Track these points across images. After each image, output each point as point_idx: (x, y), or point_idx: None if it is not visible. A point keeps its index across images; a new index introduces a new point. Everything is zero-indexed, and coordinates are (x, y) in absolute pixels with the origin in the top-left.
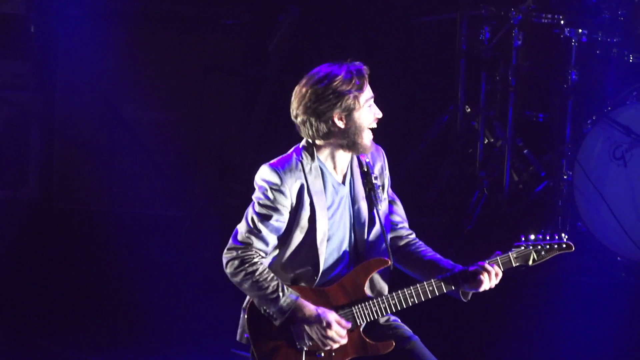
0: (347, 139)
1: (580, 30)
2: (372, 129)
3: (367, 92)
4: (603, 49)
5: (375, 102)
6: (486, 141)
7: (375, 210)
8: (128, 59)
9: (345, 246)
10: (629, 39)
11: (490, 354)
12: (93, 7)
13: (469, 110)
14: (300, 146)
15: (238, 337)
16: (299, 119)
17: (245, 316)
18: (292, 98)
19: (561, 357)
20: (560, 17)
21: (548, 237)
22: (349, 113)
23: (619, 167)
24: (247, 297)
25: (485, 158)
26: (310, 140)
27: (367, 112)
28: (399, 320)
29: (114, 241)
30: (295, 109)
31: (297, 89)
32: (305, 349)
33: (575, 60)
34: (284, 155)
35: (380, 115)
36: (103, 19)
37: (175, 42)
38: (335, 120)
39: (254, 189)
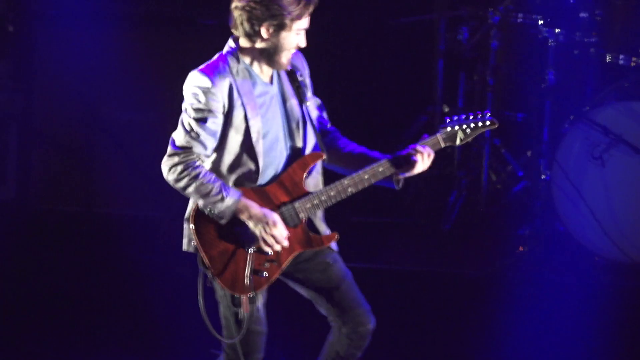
0: (266, 51)
1: (557, 31)
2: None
3: (304, 22)
4: (581, 49)
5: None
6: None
7: (304, 107)
8: (107, 59)
9: (281, 144)
10: (607, 39)
11: (465, 352)
12: (72, 8)
13: (447, 110)
14: (224, 52)
15: (185, 247)
16: (236, 12)
17: (191, 225)
18: None
19: (538, 356)
20: (538, 17)
21: (472, 116)
22: (277, 30)
23: (597, 167)
24: (189, 208)
25: (464, 158)
26: (233, 42)
27: (293, 37)
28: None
29: (92, 242)
30: (237, 1)
31: None
32: (251, 250)
33: (553, 60)
34: (209, 61)
35: (304, 45)
36: (82, 19)
37: (154, 42)
38: (262, 29)
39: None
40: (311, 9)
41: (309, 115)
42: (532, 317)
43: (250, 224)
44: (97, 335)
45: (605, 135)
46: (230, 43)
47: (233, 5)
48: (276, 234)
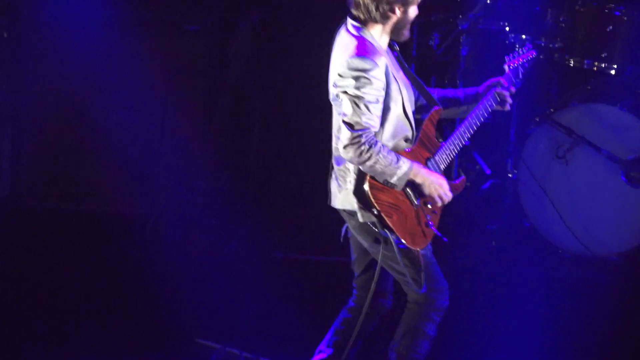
0: (396, 27)
1: (524, 37)
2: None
3: None
4: (546, 54)
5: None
6: None
7: (411, 71)
8: (95, 62)
9: (412, 106)
10: (570, 45)
11: (433, 344)
12: (63, 13)
13: None
14: (358, 34)
15: (361, 219)
16: (362, 0)
17: (369, 192)
18: None
19: (505, 348)
20: (505, 24)
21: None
22: (405, 8)
23: (561, 166)
24: (353, 184)
25: None
26: (354, 22)
27: (415, 10)
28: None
29: (83, 239)
30: None
31: None
32: (418, 206)
33: None
34: (356, 44)
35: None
36: (72, 24)
37: (140, 46)
38: (396, 9)
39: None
40: None
41: (417, 76)
42: (497, 309)
43: (423, 185)
44: (88, 330)
45: (569, 136)
46: (353, 23)
47: None
48: (444, 189)
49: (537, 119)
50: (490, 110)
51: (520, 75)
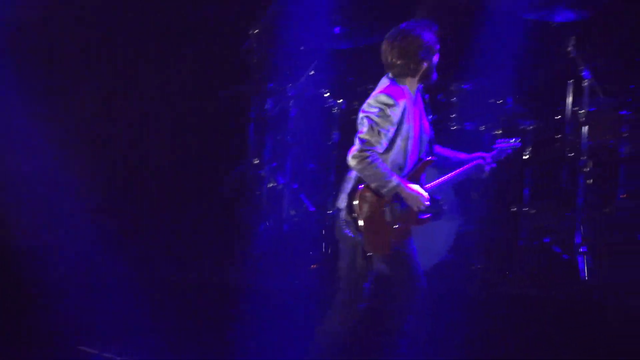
0: (423, 75)
1: (340, 101)
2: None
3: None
4: (356, 115)
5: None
6: (270, 185)
7: (428, 120)
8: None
9: (417, 148)
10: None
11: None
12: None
13: (257, 161)
14: (393, 82)
15: (343, 217)
16: (398, 62)
17: (358, 201)
18: (389, 45)
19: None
20: (326, 90)
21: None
22: (430, 60)
23: None
24: (343, 202)
25: (268, 198)
26: (395, 76)
27: (437, 57)
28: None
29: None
30: (391, 54)
31: (398, 37)
32: (400, 209)
33: (337, 123)
34: (387, 85)
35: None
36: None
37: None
38: (423, 64)
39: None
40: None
41: (431, 128)
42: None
43: (407, 198)
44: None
45: None
46: (396, 72)
47: (390, 59)
48: (420, 200)
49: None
50: (468, 175)
51: (503, 157)
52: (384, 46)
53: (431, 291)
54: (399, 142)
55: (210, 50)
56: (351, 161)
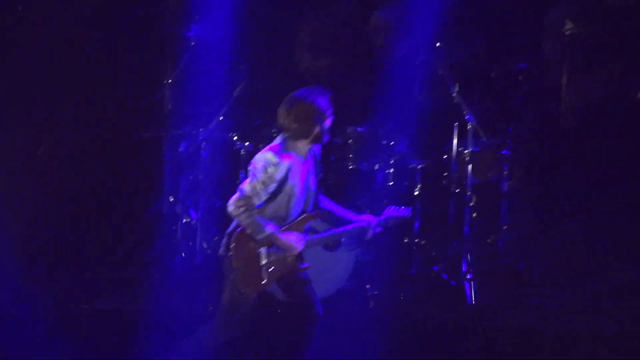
0: (315, 137)
1: (247, 143)
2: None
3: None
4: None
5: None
6: (185, 221)
7: (316, 178)
8: None
9: (299, 202)
10: None
11: None
12: None
13: (172, 199)
14: (284, 143)
15: (220, 252)
16: (293, 126)
17: (234, 242)
18: (285, 110)
19: None
20: (234, 134)
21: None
22: (322, 124)
23: None
24: (225, 240)
25: (184, 233)
26: (289, 138)
27: (329, 121)
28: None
29: None
30: (287, 118)
31: (294, 103)
32: (275, 254)
33: (243, 164)
34: (275, 144)
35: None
36: None
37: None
38: (316, 128)
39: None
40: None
41: (316, 185)
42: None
43: (281, 246)
44: None
45: None
46: (281, 135)
47: (283, 122)
48: (293, 247)
49: None
50: (350, 234)
51: (390, 224)
52: (281, 110)
53: (328, 316)
54: (282, 197)
55: (128, 97)
56: (229, 207)
